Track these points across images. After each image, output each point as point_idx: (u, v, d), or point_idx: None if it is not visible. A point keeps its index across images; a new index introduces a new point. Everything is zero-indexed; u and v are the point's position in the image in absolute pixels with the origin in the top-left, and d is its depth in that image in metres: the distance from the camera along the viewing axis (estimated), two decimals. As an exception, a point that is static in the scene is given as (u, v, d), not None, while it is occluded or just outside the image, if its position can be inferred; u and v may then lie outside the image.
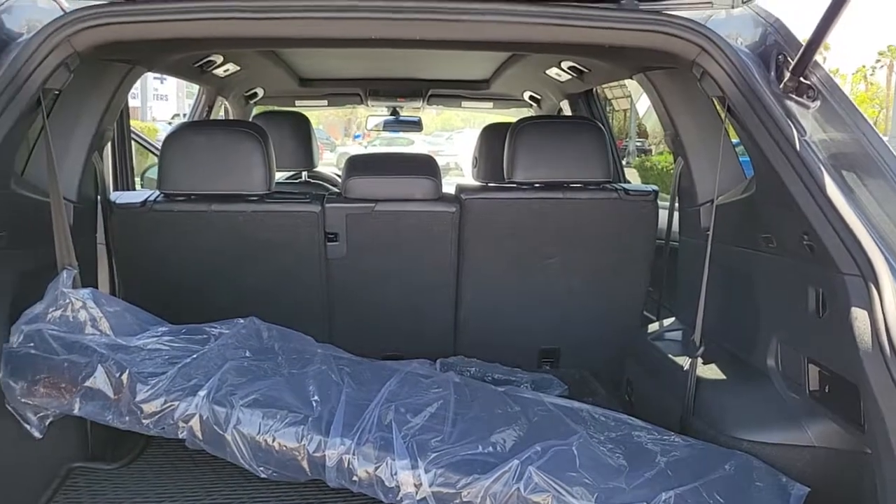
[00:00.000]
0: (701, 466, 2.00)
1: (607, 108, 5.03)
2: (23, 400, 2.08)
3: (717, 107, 2.48)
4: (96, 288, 2.71)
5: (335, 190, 4.45)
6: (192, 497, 2.02)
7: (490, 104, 5.32)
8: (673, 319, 2.96)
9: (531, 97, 4.86)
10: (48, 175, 2.18)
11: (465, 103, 5.29)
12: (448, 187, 3.03)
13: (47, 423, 2.14)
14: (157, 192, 2.77)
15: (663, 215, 3.06)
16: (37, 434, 2.12)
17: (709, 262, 2.30)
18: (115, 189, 3.71)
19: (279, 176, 5.00)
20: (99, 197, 2.74)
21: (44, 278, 2.23)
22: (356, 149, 19.16)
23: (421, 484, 1.85)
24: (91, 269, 2.65)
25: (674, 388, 2.45)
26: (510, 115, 5.43)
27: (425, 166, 2.90)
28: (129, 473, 2.15)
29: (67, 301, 2.18)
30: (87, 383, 2.03)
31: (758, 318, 2.28)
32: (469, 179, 4.10)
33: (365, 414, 2.04)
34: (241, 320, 2.45)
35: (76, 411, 2.06)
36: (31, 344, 2.11)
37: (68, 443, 2.26)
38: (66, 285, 2.18)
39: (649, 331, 2.94)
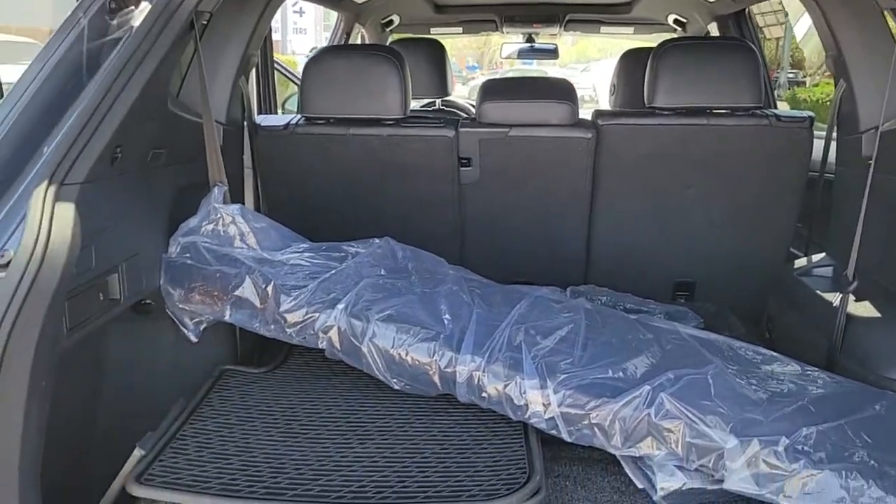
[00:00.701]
0: (847, 404, 1.90)
1: (758, 36, 4.68)
2: (180, 306, 2.25)
3: (890, 21, 2.25)
4: (243, 205, 2.88)
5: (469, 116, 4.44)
6: (329, 402, 2.13)
7: (630, 29, 5.09)
8: (823, 255, 2.78)
9: (676, 20, 4.59)
10: (201, 97, 2.30)
11: (603, 29, 5.06)
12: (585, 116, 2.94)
13: (202, 329, 2.32)
14: (299, 116, 2.86)
15: (817, 146, 2.85)
16: (193, 338, 2.30)
17: (868, 192, 2.13)
18: (260, 114, 3.88)
19: (414, 104, 5.04)
20: (245, 120, 2.87)
21: (198, 194, 2.39)
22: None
23: (550, 404, 1.87)
24: (238, 188, 2.80)
25: (821, 325, 2.32)
26: (651, 41, 5.17)
27: (561, 91, 2.82)
28: (273, 377, 2.30)
29: (219, 216, 2.32)
30: (237, 293, 2.17)
31: None
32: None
33: (495, 334, 2.06)
34: (377, 240, 2.53)
35: (227, 318, 2.21)
36: (188, 255, 2.27)
37: (220, 348, 2.44)
38: (217, 201, 2.31)
39: (796, 266, 2.78)
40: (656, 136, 2.79)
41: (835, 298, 2.27)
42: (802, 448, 1.71)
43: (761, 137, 2.77)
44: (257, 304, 2.17)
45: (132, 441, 1.80)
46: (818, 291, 2.46)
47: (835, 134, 2.72)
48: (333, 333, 2.09)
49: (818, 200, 2.91)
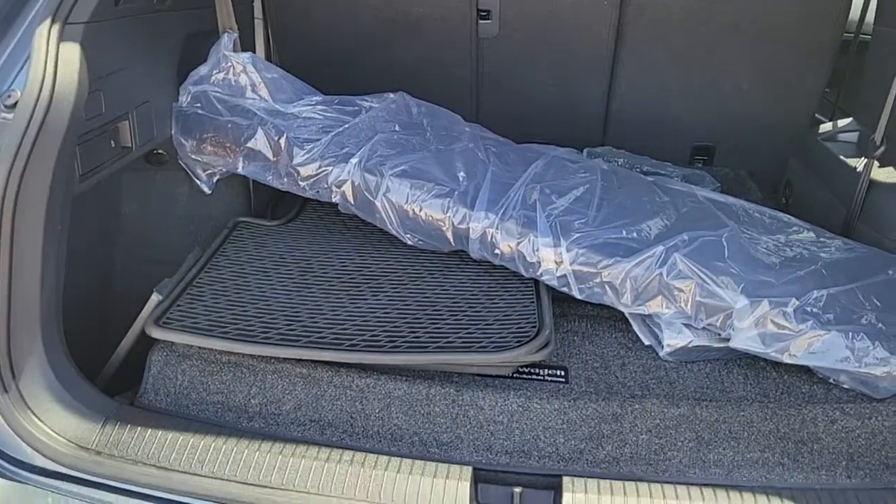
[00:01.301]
0: (860, 269, 1.90)
1: None
2: (193, 157, 2.23)
3: None
4: (254, 50, 2.79)
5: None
6: (343, 255, 2.14)
7: None
8: (850, 120, 2.70)
9: None
10: None
11: None
12: None
13: (215, 181, 2.31)
14: None
15: (855, 4, 2.70)
16: (206, 189, 2.30)
17: None
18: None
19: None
20: None
21: (208, 42, 2.31)
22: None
23: (562, 261, 1.87)
24: (249, 37, 2.71)
25: (841, 190, 2.28)
26: None
27: None
28: (286, 230, 2.31)
29: (229, 64, 2.25)
30: (249, 144, 2.14)
31: None
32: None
33: (510, 192, 2.04)
34: (392, 94, 2.46)
35: (240, 169, 2.19)
36: (198, 104, 2.22)
37: (234, 200, 2.44)
38: (227, 48, 2.24)
39: (821, 130, 2.70)
40: None
41: (858, 163, 2.22)
42: (811, 310, 1.72)
43: None
44: (270, 156, 2.14)
45: (150, 287, 1.83)
46: (841, 156, 2.40)
47: None
48: (347, 188, 2.07)
49: (850, 63, 2.79)
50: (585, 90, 2.88)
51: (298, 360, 1.71)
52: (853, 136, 2.57)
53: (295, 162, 2.10)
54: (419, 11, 2.70)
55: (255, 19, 2.82)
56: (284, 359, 1.71)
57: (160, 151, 2.23)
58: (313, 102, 2.35)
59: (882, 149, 2.06)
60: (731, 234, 1.90)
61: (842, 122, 2.71)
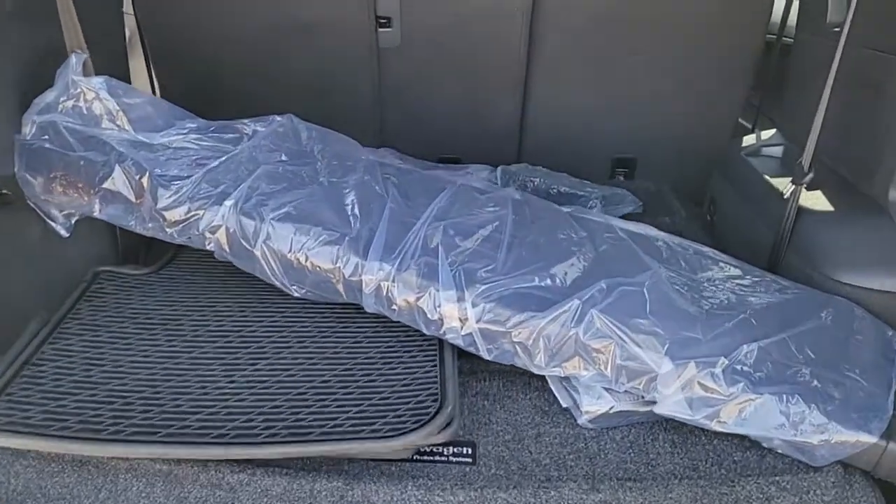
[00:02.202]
0: (792, 313, 1.73)
1: None
2: (43, 197, 1.91)
3: None
4: (127, 74, 2.47)
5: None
6: (221, 310, 1.87)
7: None
8: (773, 132, 2.56)
9: None
10: None
11: None
12: None
13: (73, 222, 1.99)
14: None
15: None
16: (63, 232, 1.98)
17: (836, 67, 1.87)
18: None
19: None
20: None
21: (60, 62, 1.98)
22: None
23: (467, 319, 1.64)
24: (119, 56, 2.39)
25: (766, 214, 2.12)
26: None
27: None
28: (157, 280, 2.01)
29: (79, 90, 1.93)
30: (106, 185, 1.84)
31: (884, 140, 1.88)
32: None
33: (409, 234, 1.80)
34: (279, 117, 2.19)
35: (97, 214, 1.88)
36: (46, 136, 1.90)
37: (98, 243, 2.13)
38: (75, 71, 1.92)
39: (744, 143, 2.55)
40: None
41: (783, 185, 2.06)
42: (741, 368, 1.55)
43: None
44: (131, 197, 1.84)
45: None
46: (766, 176, 2.25)
47: None
48: (221, 234, 1.79)
49: (773, 67, 2.64)
50: (499, 102, 2.66)
51: (157, 456, 1.44)
52: (777, 152, 2.43)
53: (160, 205, 1.81)
54: (309, 16, 2.42)
55: (125, 34, 2.49)
56: (140, 454, 1.44)
57: (3, 191, 1.91)
58: (185, 130, 2.06)
59: (810, 175, 1.90)
60: (652, 282, 1.71)
61: (765, 134, 2.56)
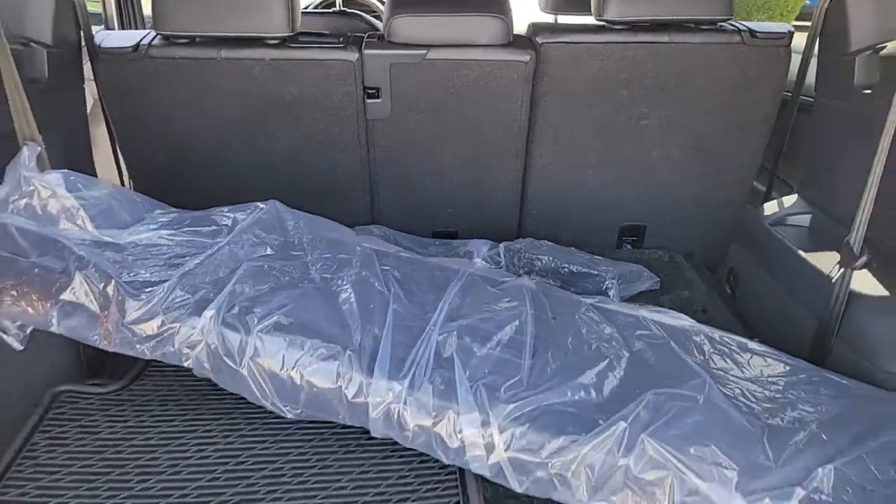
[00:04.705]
0: (862, 422, 1.51)
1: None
2: (-8, 308, 1.65)
3: None
4: (90, 158, 2.23)
5: (377, 28, 3.76)
6: (202, 435, 1.61)
7: None
8: (795, 198, 2.38)
9: None
10: None
11: None
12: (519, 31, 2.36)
13: (28, 333, 1.72)
14: (153, 33, 2.18)
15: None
16: (16, 345, 1.71)
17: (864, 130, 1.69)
18: (122, 27, 3.11)
19: (306, 2, 4.28)
20: (82, 39, 2.18)
21: (11, 152, 1.74)
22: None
23: (494, 446, 1.41)
24: (81, 132, 2.15)
25: (803, 294, 1.93)
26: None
27: (491, 1, 2.22)
28: (127, 399, 1.74)
29: (32, 187, 1.68)
30: (64, 296, 1.58)
31: None
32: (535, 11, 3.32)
33: (418, 343, 1.57)
34: (261, 205, 1.97)
35: (54, 328, 1.62)
36: (-6, 240, 1.65)
37: (59, 355, 1.85)
38: (27, 167, 1.67)
39: (766, 212, 2.36)
40: (607, 57, 2.26)
41: (827, 267, 1.86)
42: (820, 497, 1.32)
43: (731, 58, 2.29)
44: (95, 309, 1.59)
45: None
46: (801, 252, 2.05)
47: (816, 50, 2.27)
48: (201, 351, 1.55)
49: (788, 129, 2.48)
50: (497, 174, 2.46)
51: None
52: (804, 221, 2.24)
53: (128, 319, 1.56)
54: (290, 92, 2.20)
55: (86, 118, 2.26)
56: None
57: None
58: (156, 224, 1.82)
59: (863, 259, 1.70)
60: (706, 393, 1.49)
61: (787, 201, 2.38)
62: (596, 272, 2.25)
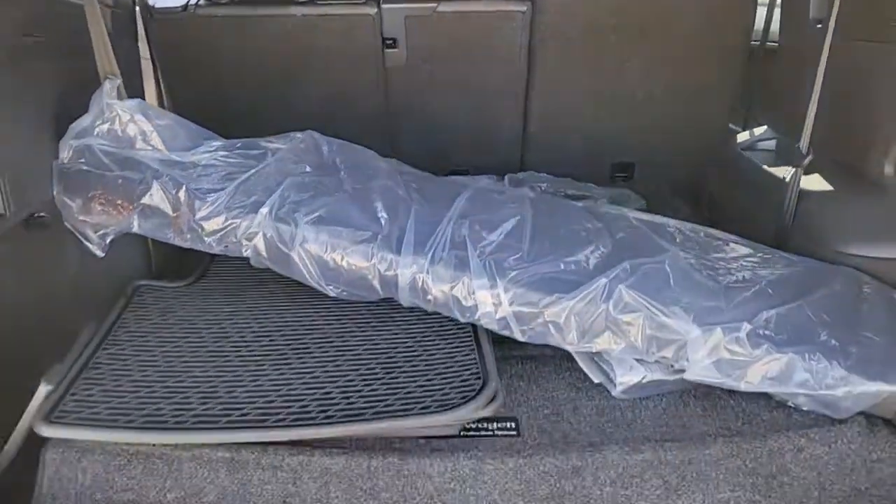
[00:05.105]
0: (804, 284, 1.84)
1: None
2: (80, 218, 1.99)
3: None
4: (143, 100, 2.57)
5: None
6: (260, 314, 1.95)
7: None
8: (765, 128, 2.69)
9: None
10: None
11: None
12: None
13: (108, 242, 2.07)
14: None
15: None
16: (99, 252, 2.05)
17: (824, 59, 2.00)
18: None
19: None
20: (135, 1, 2.52)
21: (88, 91, 2.08)
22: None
23: (500, 303, 1.74)
24: (136, 82, 2.49)
25: (767, 200, 2.24)
26: None
27: None
28: (195, 291, 2.09)
29: (114, 113, 2.03)
30: (144, 200, 1.93)
31: (876, 122, 2.02)
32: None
33: (437, 231, 1.90)
34: (299, 134, 2.30)
35: (135, 229, 1.96)
36: (83, 160, 1.99)
37: (131, 262, 2.20)
38: (110, 96, 2.02)
39: (738, 140, 2.68)
40: (596, 5, 2.58)
41: (781, 172, 2.19)
42: (763, 332, 1.65)
43: (703, 1, 2.59)
44: (169, 211, 1.93)
45: (37, 375, 1.59)
46: (764, 166, 2.38)
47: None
48: (259, 240, 1.88)
49: (759, 72, 2.79)
50: (501, 114, 2.78)
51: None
52: (772, 144, 2.56)
53: (198, 216, 1.90)
54: (318, 43, 2.54)
55: (141, 61, 2.59)
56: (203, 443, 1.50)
57: (41, 214, 1.98)
58: (213, 148, 2.15)
59: (809, 157, 2.03)
60: (672, 260, 1.82)
61: (758, 131, 2.70)
62: (588, 194, 2.57)
